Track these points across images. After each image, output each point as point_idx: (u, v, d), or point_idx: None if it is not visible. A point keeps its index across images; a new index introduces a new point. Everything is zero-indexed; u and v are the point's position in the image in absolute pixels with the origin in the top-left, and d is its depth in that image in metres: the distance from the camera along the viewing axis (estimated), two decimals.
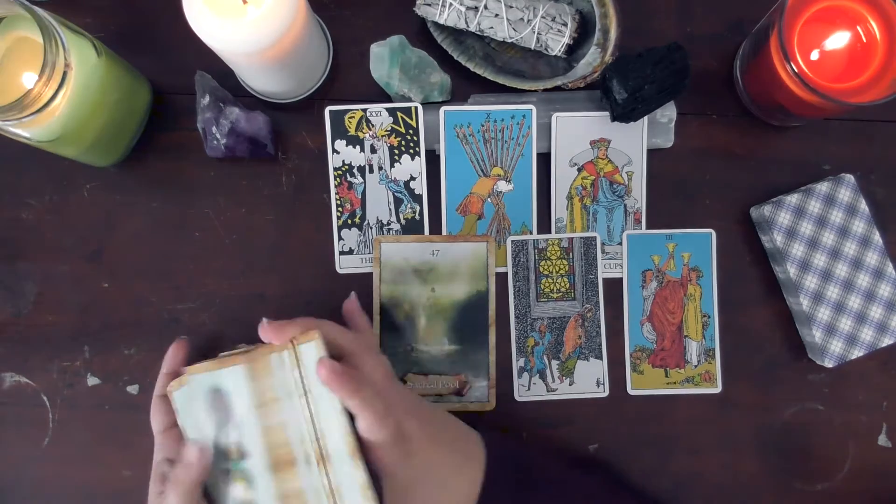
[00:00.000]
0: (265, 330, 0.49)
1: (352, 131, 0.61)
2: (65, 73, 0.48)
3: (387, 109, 0.60)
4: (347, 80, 0.62)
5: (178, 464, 0.48)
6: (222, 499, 0.49)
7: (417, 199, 0.61)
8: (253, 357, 0.48)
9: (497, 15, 0.58)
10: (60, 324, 0.61)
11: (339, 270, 0.61)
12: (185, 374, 0.50)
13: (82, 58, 0.50)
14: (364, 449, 0.47)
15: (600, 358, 0.61)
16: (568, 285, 0.61)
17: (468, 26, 0.59)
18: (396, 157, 0.61)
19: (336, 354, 0.49)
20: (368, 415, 0.46)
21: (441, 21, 0.59)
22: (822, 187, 0.60)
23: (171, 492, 0.47)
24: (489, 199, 0.61)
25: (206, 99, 0.58)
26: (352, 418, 0.47)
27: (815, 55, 0.56)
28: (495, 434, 0.54)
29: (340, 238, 0.61)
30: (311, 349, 0.48)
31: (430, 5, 0.59)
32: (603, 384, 0.61)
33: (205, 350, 0.60)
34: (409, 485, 0.49)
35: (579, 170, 0.61)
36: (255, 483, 0.47)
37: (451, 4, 0.58)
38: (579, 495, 0.54)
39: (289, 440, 0.48)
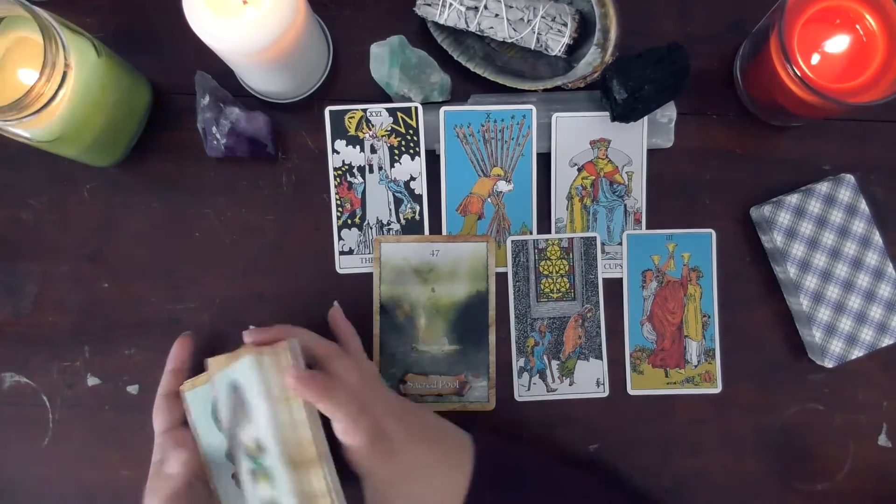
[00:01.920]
0: (250, 335, 0.50)
1: (352, 131, 0.61)
2: (65, 73, 0.48)
3: (387, 109, 0.60)
4: (347, 80, 0.62)
5: (161, 470, 0.49)
6: (250, 499, 0.49)
7: (417, 199, 0.61)
8: (261, 351, 0.48)
9: (497, 15, 0.58)
10: (60, 324, 0.61)
11: (339, 270, 0.61)
12: (208, 372, 0.50)
13: (82, 58, 0.50)
14: (343, 451, 0.48)
15: (600, 358, 0.61)
16: (568, 285, 0.61)
17: (468, 26, 0.59)
18: (396, 157, 0.61)
19: (312, 361, 0.50)
20: (341, 416, 0.47)
21: (441, 21, 0.59)
22: (822, 187, 0.60)
23: (151, 499, 0.48)
24: (489, 199, 0.61)
25: (206, 99, 0.58)
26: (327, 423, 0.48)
27: (815, 55, 0.56)
28: (487, 434, 0.54)
29: (340, 238, 0.61)
30: (284, 357, 0.48)
31: (430, 5, 0.59)
32: (603, 384, 0.61)
33: (204, 350, 0.60)
34: (390, 484, 0.49)
35: (579, 170, 0.61)
36: (275, 480, 0.47)
37: (451, 4, 0.58)
38: (571, 495, 0.54)
39: (301, 439, 0.48)
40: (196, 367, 0.56)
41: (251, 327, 0.50)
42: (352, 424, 0.47)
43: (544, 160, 0.62)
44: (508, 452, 0.55)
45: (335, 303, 0.57)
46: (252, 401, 0.47)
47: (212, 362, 0.50)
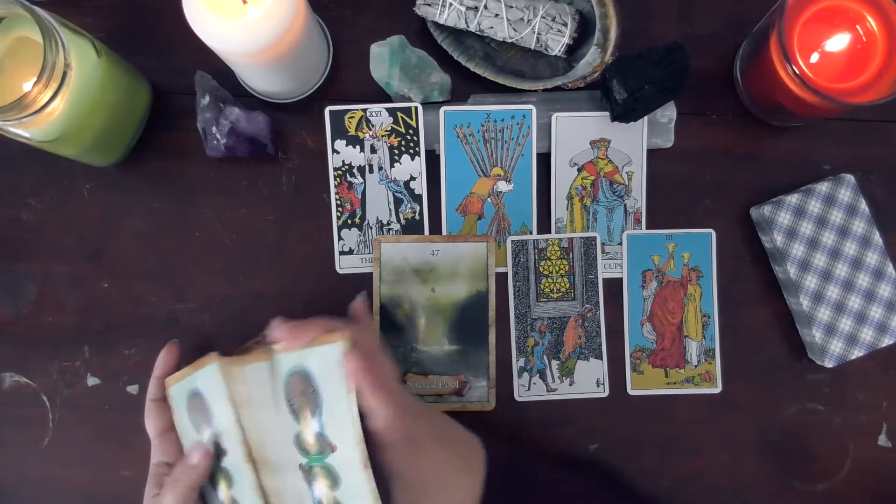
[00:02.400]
0: (280, 331, 0.48)
1: (352, 131, 0.61)
2: (65, 73, 0.48)
3: (387, 109, 0.60)
4: (347, 80, 0.62)
5: (180, 464, 0.48)
6: (210, 499, 0.49)
7: (417, 199, 0.61)
8: (243, 360, 0.48)
9: (497, 15, 0.58)
10: (60, 324, 0.61)
11: (339, 270, 0.61)
12: (166, 383, 0.50)
13: (82, 58, 0.50)
14: (375, 449, 0.47)
15: (600, 358, 0.61)
16: (568, 285, 0.61)
17: (468, 26, 0.59)
18: (396, 157, 0.61)
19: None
20: (388, 413, 0.45)
21: (441, 21, 0.59)
22: (822, 187, 0.60)
23: (168, 492, 0.47)
24: (489, 199, 0.61)
25: (206, 99, 0.58)
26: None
27: (814, 55, 0.56)
28: (494, 436, 0.54)
29: (340, 238, 0.61)
30: (336, 350, 0.46)
31: (430, 5, 0.59)
32: (603, 384, 0.61)
33: (204, 350, 0.60)
34: (418, 485, 0.48)
35: (579, 170, 0.61)
36: (234, 479, 0.47)
37: (451, 4, 0.58)
38: (578, 497, 0.54)
39: (266, 443, 0.47)
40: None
41: (277, 320, 0.48)
42: (393, 421, 0.46)
43: (544, 160, 0.62)
44: (519, 455, 0.54)
45: (363, 293, 0.56)
46: (216, 410, 0.47)
47: (168, 380, 0.50)
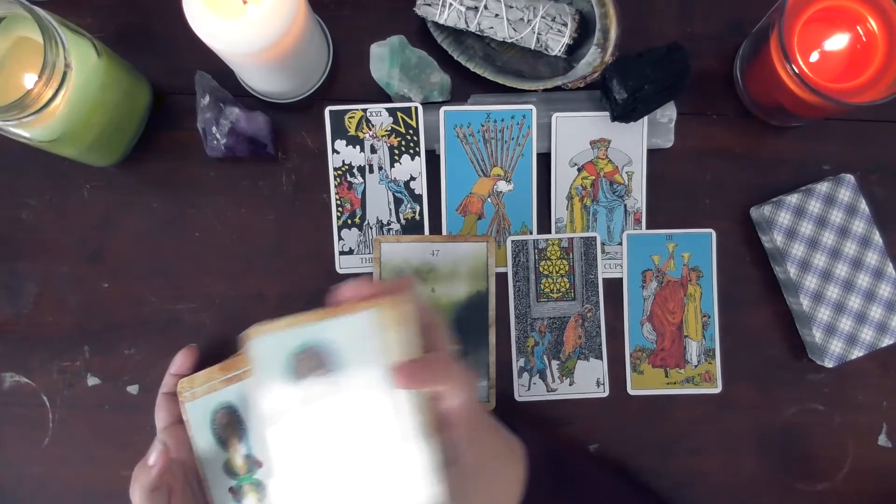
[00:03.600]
0: (350, 288, 0.43)
1: (352, 131, 0.61)
2: (65, 73, 0.48)
3: (387, 109, 0.60)
4: (347, 80, 0.62)
5: (139, 464, 0.50)
6: None
7: (417, 199, 0.61)
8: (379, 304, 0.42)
9: (497, 15, 0.58)
10: (60, 324, 0.61)
11: (339, 270, 0.61)
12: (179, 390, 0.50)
13: (82, 58, 0.50)
14: (447, 431, 0.44)
15: (600, 358, 0.61)
16: (568, 285, 0.61)
17: (468, 26, 0.59)
18: (396, 157, 0.61)
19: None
20: (464, 390, 0.43)
21: (441, 21, 0.59)
22: (822, 187, 0.60)
23: (132, 491, 0.49)
24: (489, 199, 0.61)
25: (206, 99, 0.58)
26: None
27: (815, 55, 0.56)
28: (532, 431, 0.53)
29: (340, 238, 0.61)
30: (367, 318, 0.41)
31: (430, 5, 0.59)
32: (603, 384, 0.61)
33: (204, 351, 0.60)
34: (475, 467, 0.46)
35: (579, 170, 0.61)
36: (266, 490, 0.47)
37: (451, 4, 0.58)
38: (613, 497, 0.54)
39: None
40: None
41: (349, 281, 0.43)
42: (469, 399, 0.44)
43: (544, 160, 0.62)
44: (556, 451, 0.54)
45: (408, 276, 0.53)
46: (248, 421, 0.47)
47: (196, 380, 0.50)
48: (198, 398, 0.53)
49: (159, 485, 0.49)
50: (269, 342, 0.41)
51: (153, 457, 0.49)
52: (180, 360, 0.56)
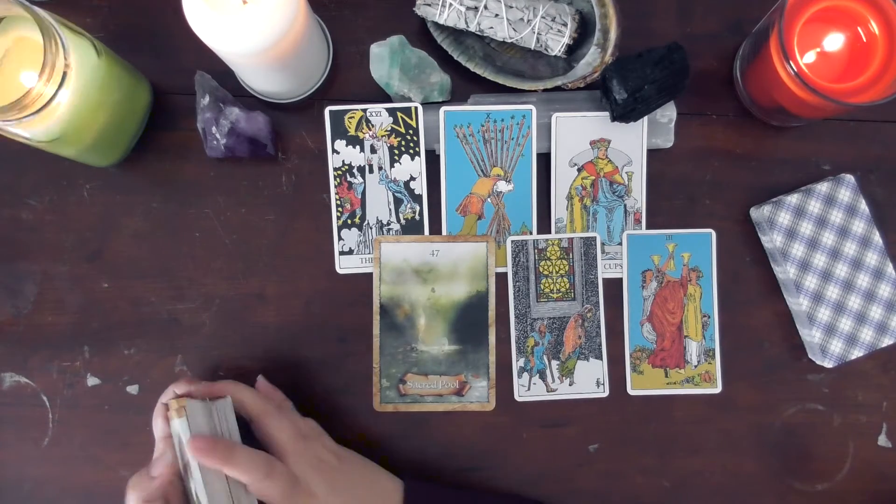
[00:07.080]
0: (182, 386, 0.53)
1: (352, 131, 0.61)
2: (65, 73, 0.48)
3: (387, 109, 0.60)
4: (347, 80, 0.62)
5: (136, 475, 0.50)
6: None
7: (417, 199, 0.61)
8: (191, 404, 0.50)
9: (497, 15, 0.58)
10: (60, 324, 0.61)
11: (339, 270, 0.61)
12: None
13: (82, 58, 0.50)
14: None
15: (600, 358, 0.61)
16: (568, 285, 0.61)
17: (468, 26, 0.59)
18: (396, 157, 0.61)
19: (245, 417, 0.53)
20: (247, 479, 0.49)
21: (441, 21, 0.59)
22: (822, 187, 0.60)
23: (129, 498, 0.49)
24: (489, 200, 0.61)
25: (206, 99, 0.58)
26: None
27: (814, 55, 0.56)
28: (421, 484, 0.56)
29: (340, 238, 0.61)
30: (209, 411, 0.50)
31: (430, 5, 0.59)
32: (603, 384, 0.61)
33: (203, 349, 0.60)
34: None
35: (579, 170, 0.61)
36: None
37: (451, 4, 0.58)
38: None
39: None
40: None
41: (181, 383, 0.52)
42: (259, 485, 0.49)
43: (544, 160, 0.62)
44: (436, 494, 0.57)
45: (259, 377, 0.58)
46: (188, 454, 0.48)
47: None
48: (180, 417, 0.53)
49: (157, 497, 0.48)
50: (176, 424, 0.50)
51: (159, 467, 0.49)
52: (179, 384, 0.55)
